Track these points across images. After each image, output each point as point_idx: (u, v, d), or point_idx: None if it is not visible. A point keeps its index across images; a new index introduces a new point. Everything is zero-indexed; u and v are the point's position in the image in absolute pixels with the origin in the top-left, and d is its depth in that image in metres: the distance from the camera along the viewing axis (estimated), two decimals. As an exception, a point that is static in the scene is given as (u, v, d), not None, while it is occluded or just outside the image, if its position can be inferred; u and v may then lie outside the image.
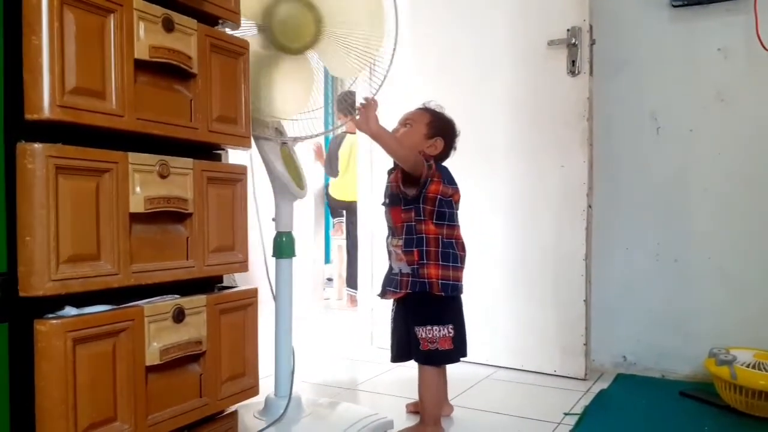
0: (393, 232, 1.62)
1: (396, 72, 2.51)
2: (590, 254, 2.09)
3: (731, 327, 2.04)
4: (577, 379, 2.08)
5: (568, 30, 2.08)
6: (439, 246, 1.54)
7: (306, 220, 3.83)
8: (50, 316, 0.90)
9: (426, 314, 1.55)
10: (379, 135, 1.51)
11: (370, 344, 2.63)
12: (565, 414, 1.74)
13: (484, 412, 1.77)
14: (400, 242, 1.57)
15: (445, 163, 1.67)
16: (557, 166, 2.13)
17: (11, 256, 0.87)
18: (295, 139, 1.62)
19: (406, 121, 1.66)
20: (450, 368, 1.72)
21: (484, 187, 2.29)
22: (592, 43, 2.08)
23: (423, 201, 1.55)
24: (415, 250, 1.54)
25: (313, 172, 4.03)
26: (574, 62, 2.08)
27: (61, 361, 0.88)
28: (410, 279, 1.55)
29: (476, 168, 2.30)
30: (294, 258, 1.62)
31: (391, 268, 1.65)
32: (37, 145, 0.87)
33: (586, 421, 1.68)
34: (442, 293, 1.52)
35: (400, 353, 1.66)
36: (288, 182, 1.53)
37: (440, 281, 1.52)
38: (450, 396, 1.82)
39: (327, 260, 4.65)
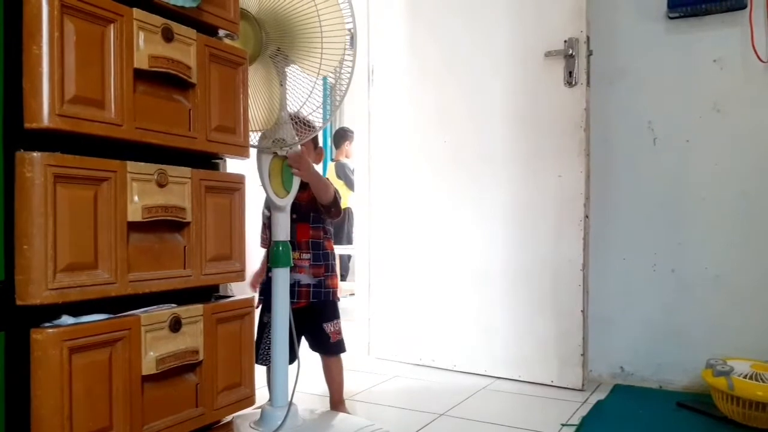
0: (296, 246, 1.70)
1: (395, 80, 2.55)
2: (587, 264, 2.10)
3: (728, 337, 2.04)
4: (575, 389, 2.08)
5: (565, 41, 2.09)
6: (333, 259, 1.78)
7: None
8: (47, 325, 0.90)
9: (330, 312, 1.77)
10: (314, 178, 1.65)
11: (367, 354, 2.62)
12: (563, 425, 1.73)
13: (481, 423, 1.76)
14: (307, 257, 1.72)
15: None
16: (554, 176, 2.14)
17: (9, 265, 0.87)
18: (281, 147, 1.60)
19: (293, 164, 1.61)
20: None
21: (481, 197, 2.30)
22: (590, 54, 2.09)
23: (327, 223, 1.76)
24: (323, 264, 1.73)
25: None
26: (571, 73, 2.09)
27: (57, 371, 0.88)
28: (312, 289, 1.72)
29: (474, 177, 2.31)
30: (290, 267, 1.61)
31: None
32: (35, 154, 0.88)
33: (584, 431, 1.68)
34: (338, 298, 1.81)
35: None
36: (267, 189, 1.58)
37: (336, 289, 1.79)
38: (447, 407, 1.82)
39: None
